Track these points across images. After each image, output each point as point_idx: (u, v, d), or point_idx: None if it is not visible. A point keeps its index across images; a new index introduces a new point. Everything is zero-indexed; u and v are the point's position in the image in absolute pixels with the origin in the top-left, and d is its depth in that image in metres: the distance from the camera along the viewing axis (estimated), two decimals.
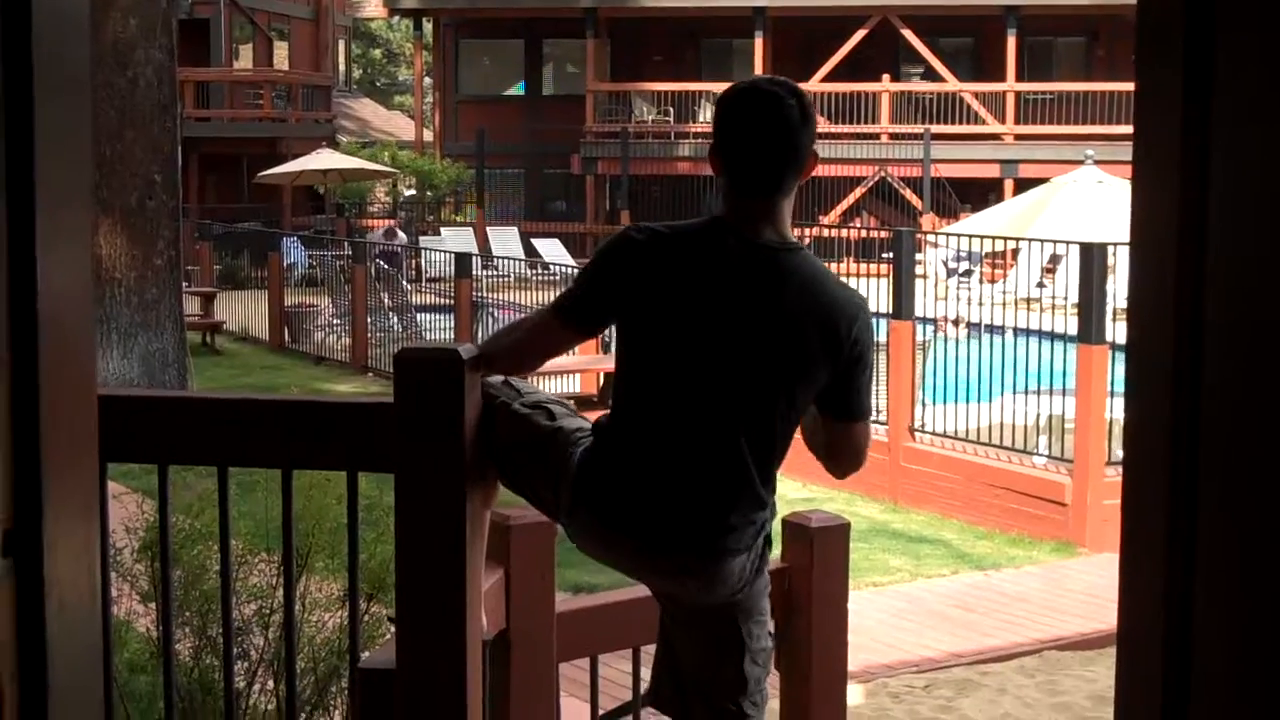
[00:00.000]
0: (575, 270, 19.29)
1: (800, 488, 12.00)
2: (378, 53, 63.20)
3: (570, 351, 12.67)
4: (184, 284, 16.86)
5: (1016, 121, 32.85)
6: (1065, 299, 13.00)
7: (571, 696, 3.91)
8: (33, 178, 1.29)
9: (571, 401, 3.38)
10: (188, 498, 5.64)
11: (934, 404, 13.23)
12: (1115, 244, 11.65)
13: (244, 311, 22.92)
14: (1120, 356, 10.37)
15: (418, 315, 19.95)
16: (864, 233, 27.02)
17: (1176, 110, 1.24)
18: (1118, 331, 11.27)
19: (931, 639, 8.87)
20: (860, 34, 33.23)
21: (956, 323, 15.04)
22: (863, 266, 17.77)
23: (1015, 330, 13.61)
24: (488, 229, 32.82)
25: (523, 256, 27.50)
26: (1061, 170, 22.11)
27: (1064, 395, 11.97)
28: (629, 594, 3.62)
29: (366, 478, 3.47)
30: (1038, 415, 12.39)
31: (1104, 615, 8.92)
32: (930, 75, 34.18)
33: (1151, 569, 1.29)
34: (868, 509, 12.29)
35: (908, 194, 32.35)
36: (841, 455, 3.27)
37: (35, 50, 1.28)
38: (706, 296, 3.05)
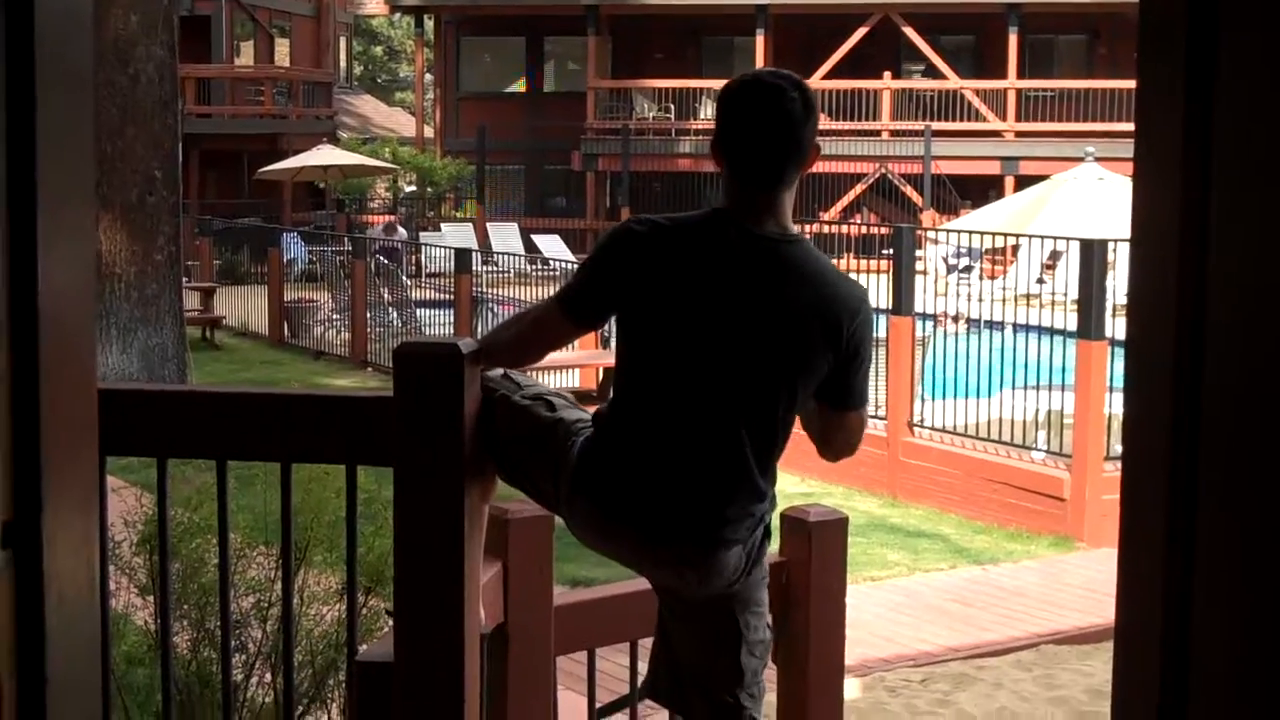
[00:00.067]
0: (575, 266, 19.28)
1: (799, 482, 12.01)
2: (379, 49, 63.19)
3: (570, 346, 12.68)
4: (184, 279, 16.87)
5: (1017, 119, 32.85)
6: (1065, 295, 12.99)
7: (569, 690, 3.92)
8: (34, 175, 1.29)
9: (571, 395, 3.37)
10: (186, 491, 5.64)
11: (933, 399, 13.24)
12: (1115, 240, 11.65)
13: (244, 307, 22.92)
14: (1119, 352, 10.37)
15: (417, 310, 19.94)
16: (864, 229, 27.04)
17: (1179, 108, 1.24)
18: (1117, 327, 11.27)
19: (929, 633, 8.87)
20: (862, 31, 33.23)
21: (956, 318, 15.04)
22: (863, 262, 17.77)
23: (1015, 326, 13.61)
24: (488, 225, 32.83)
25: (523, 252, 27.50)
26: (1062, 167, 22.10)
27: (1063, 391, 11.98)
28: (626, 588, 3.62)
29: (365, 471, 3.48)
30: (1037, 410, 12.40)
31: (1102, 610, 8.92)
32: (931, 72, 34.18)
33: (1150, 564, 1.29)
34: (866, 503, 12.29)
35: (908, 190, 32.35)
36: (835, 441, 3.28)
37: (38, 47, 1.28)
38: (708, 288, 3.05)
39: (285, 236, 25.11)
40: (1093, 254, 11.39)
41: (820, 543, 3.73)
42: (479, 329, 17.94)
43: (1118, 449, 10.47)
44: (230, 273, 26.80)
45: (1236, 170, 1.21)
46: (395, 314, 19.91)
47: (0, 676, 1.26)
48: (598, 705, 3.80)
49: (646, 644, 3.50)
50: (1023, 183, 26.86)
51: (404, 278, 21.26)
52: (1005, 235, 16.18)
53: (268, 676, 5.31)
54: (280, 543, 3.56)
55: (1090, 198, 17.76)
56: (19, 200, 1.28)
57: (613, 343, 2.91)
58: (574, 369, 16.11)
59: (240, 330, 22.66)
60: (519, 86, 39.63)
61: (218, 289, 23.17)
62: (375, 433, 3.14)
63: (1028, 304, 14.49)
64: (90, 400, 1.43)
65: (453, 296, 19.12)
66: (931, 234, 20.61)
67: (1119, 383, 9.77)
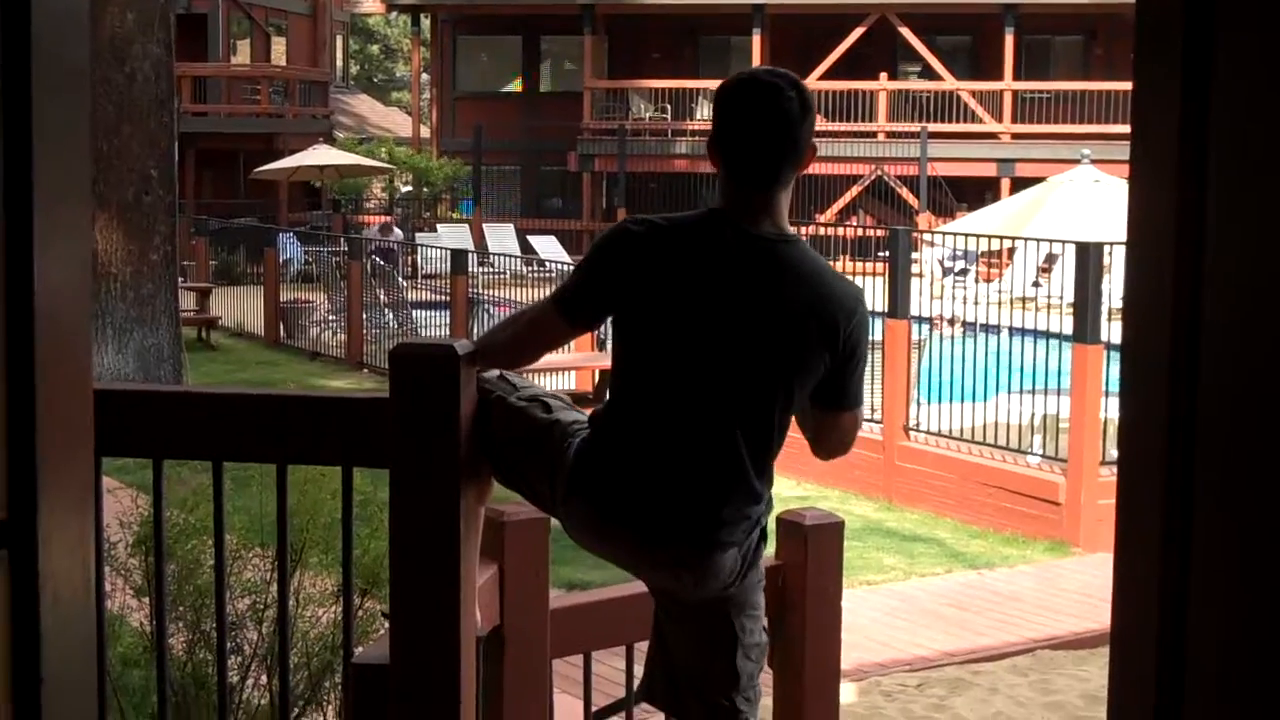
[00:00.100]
0: (571, 267, 19.26)
1: (794, 485, 12.01)
2: (375, 49, 63.19)
3: (566, 348, 12.68)
4: (180, 279, 16.85)
5: (1014, 120, 32.87)
6: (1061, 298, 13.00)
7: (565, 693, 3.91)
8: (30, 173, 1.29)
9: (568, 396, 3.37)
10: (182, 492, 5.64)
11: (929, 403, 13.24)
12: (1111, 243, 11.65)
13: (240, 307, 22.91)
14: (1115, 356, 10.37)
15: (413, 311, 19.94)
16: (860, 231, 27.03)
17: (1175, 110, 1.24)
18: (1113, 331, 11.27)
19: (925, 637, 8.87)
20: (858, 32, 33.24)
21: (952, 322, 15.04)
22: (859, 265, 17.77)
23: (1010, 329, 13.62)
24: (484, 226, 32.83)
25: (519, 253, 27.50)
26: (1058, 169, 22.12)
27: (1059, 395, 11.98)
28: (622, 591, 3.62)
29: (361, 473, 3.47)
30: (1032, 415, 12.40)
31: (1097, 615, 8.93)
32: (928, 74, 34.20)
33: (1146, 569, 1.29)
34: (862, 507, 12.29)
35: (904, 192, 32.36)
36: (829, 440, 3.28)
37: (34, 45, 1.28)
38: (704, 288, 3.05)
39: (281, 237, 25.11)
40: (1088, 257, 11.39)
41: (816, 546, 3.73)
42: (475, 330, 17.93)
43: (1113, 453, 10.47)
44: (226, 273, 26.79)
45: (1233, 172, 1.21)
46: (391, 315, 19.90)
47: None
48: (594, 708, 3.79)
49: (642, 647, 3.50)
50: (1019, 185, 26.88)
51: (400, 279, 21.26)
52: (1001, 238, 16.19)
53: (263, 678, 5.30)
54: (276, 544, 3.55)
55: (1086, 200, 17.76)
56: (15, 199, 1.28)
57: (608, 345, 2.91)
58: (570, 371, 16.11)
59: (236, 331, 22.65)
60: (515, 86, 39.63)
61: (214, 289, 23.18)
62: (371, 434, 3.14)
63: (1024, 307, 14.49)
64: (86, 400, 1.42)
65: (449, 298, 19.12)
66: (927, 236, 20.62)
67: (1114, 387, 9.77)
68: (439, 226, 32.75)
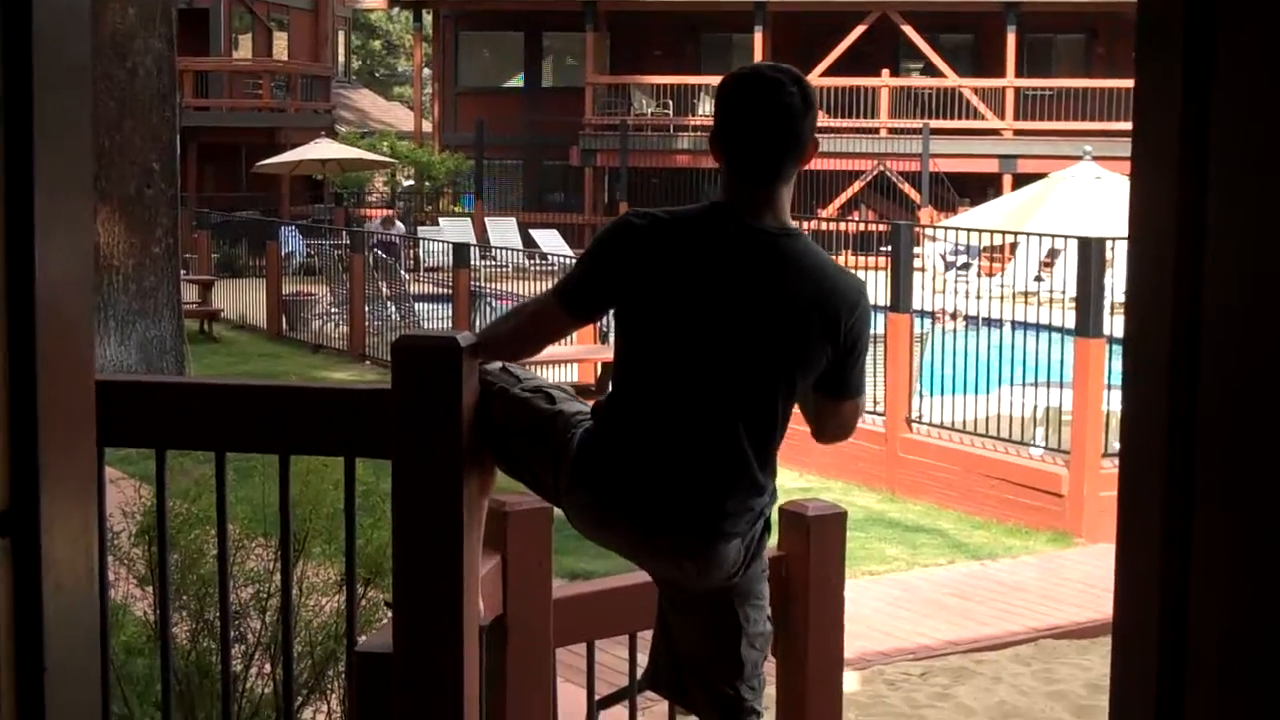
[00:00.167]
0: (572, 261, 19.26)
1: (797, 476, 12.02)
2: (377, 44, 63.14)
3: (568, 340, 12.69)
4: (182, 272, 16.86)
5: (1015, 117, 32.85)
6: (1063, 293, 13.00)
7: (568, 682, 3.92)
8: (32, 167, 1.29)
9: (571, 388, 3.37)
10: (185, 483, 5.64)
11: (931, 396, 13.25)
12: (1113, 238, 11.65)
13: (242, 300, 22.91)
14: (1117, 350, 10.38)
15: (415, 304, 19.95)
16: (862, 226, 27.02)
17: (1176, 107, 1.24)
18: (1115, 325, 11.28)
19: (928, 627, 8.88)
20: (860, 29, 33.21)
21: (954, 316, 15.04)
22: (861, 260, 17.77)
23: (1013, 323, 13.62)
24: (486, 220, 32.83)
25: (521, 247, 27.50)
26: (1060, 165, 22.11)
27: (1061, 388, 11.98)
28: (625, 580, 3.62)
29: (364, 464, 3.48)
30: (1035, 407, 12.41)
31: (1099, 605, 8.93)
32: (930, 71, 34.17)
33: (1147, 560, 1.29)
34: (865, 498, 12.30)
35: (906, 188, 32.34)
36: (830, 427, 3.29)
37: (36, 41, 1.28)
38: (707, 281, 3.05)
39: (283, 230, 25.11)
40: (1090, 252, 11.40)
41: (819, 537, 3.74)
42: (477, 323, 17.94)
43: (1115, 445, 10.47)
44: (228, 266, 26.79)
45: (1233, 169, 1.21)
46: (393, 308, 19.90)
47: None
48: (597, 697, 3.80)
49: (646, 636, 3.50)
50: (1021, 181, 26.87)
51: (402, 272, 21.26)
52: (1003, 233, 16.18)
53: (267, 667, 5.31)
54: (279, 534, 3.56)
55: (1088, 196, 17.77)
56: (17, 193, 1.29)
57: (611, 337, 2.91)
58: (572, 363, 16.12)
59: (238, 323, 22.65)
60: (517, 82, 39.62)
61: (216, 282, 23.17)
62: (373, 425, 3.14)
63: (1026, 301, 14.49)
64: (88, 391, 1.43)
65: (451, 291, 19.12)
66: (930, 231, 20.61)
67: (1117, 380, 9.78)
68: (441, 220, 32.74)
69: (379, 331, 19.49)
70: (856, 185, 32.34)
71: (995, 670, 8.02)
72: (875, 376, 12.43)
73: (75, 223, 1.40)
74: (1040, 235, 14.76)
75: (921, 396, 13.26)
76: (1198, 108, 1.22)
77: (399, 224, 29.54)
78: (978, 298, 14.41)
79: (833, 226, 24.99)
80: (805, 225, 23.16)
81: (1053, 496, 11.47)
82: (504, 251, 24.14)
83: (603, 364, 15.59)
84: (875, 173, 32.55)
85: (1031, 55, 34.80)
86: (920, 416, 13.02)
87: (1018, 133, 32.57)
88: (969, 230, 17.01)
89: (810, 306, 3.08)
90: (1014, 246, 18.05)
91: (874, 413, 12.57)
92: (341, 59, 49.77)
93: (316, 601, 5.45)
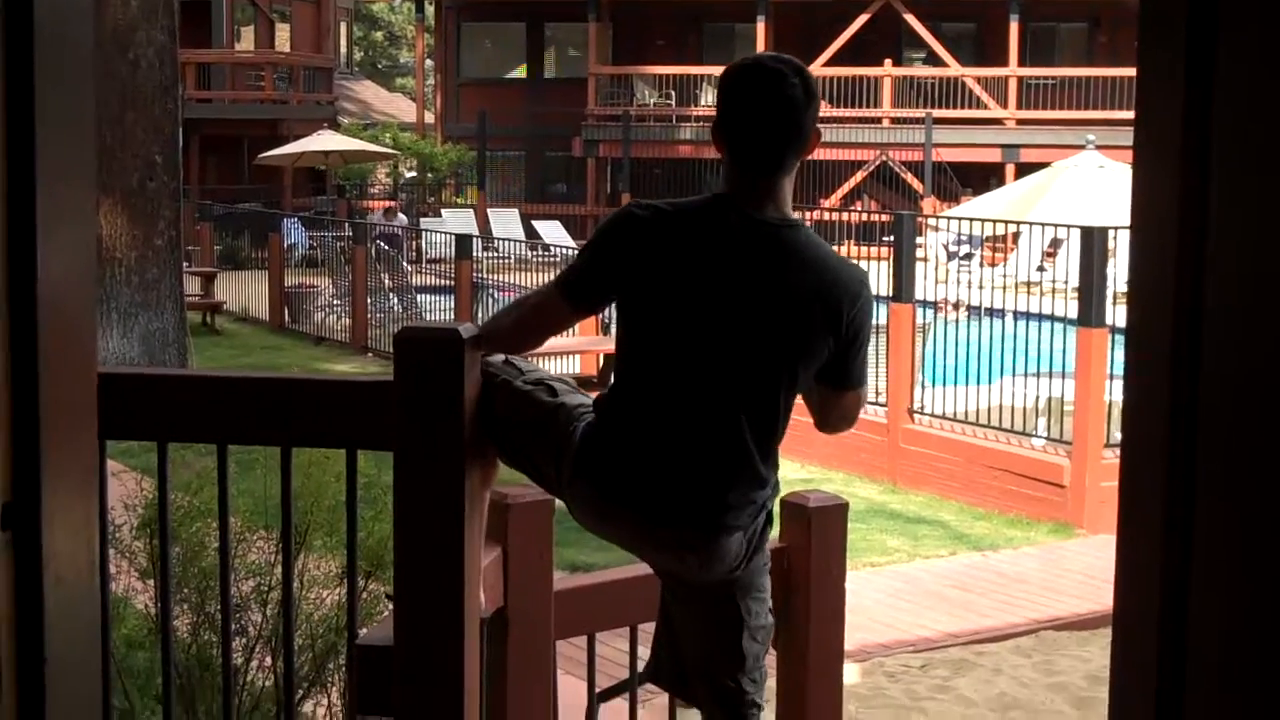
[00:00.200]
0: (575, 251, 19.24)
1: (799, 468, 12.02)
2: (379, 35, 63.12)
3: (570, 331, 12.68)
4: (184, 264, 16.87)
5: (1018, 106, 32.83)
6: (1065, 282, 13.00)
7: (569, 674, 3.92)
8: (34, 160, 1.29)
9: (573, 380, 3.37)
10: (186, 475, 5.65)
11: (934, 386, 13.24)
12: (1115, 228, 11.65)
13: (244, 292, 22.92)
14: (1120, 340, 10.37)
15: (418, 296, 19.95)
16: (865, 216, 27.01)
17: (1178, 96, 1.24)
18: (1117, 315, 11.27)
19: (929, 619, 8.88)
20: (862, 18, 33.19)
21: (957, 306, 15.04)
22: (863, 250, 17.77)
23: (1015, 313, 13.61)
24: (488, 211, 32.82)
25: (523, 238, 27.49)
26: (1063, 155, 22.11)
27: (1063, 378, 11.98)
28: (626, 572, 3.62)
29: (365, 456, 3.48)
30: (1037, 398, 12.41)
31: (1101, 596, 8.93)
32: (932, 60, 34.15)
33: (1148, 551, 1.29)
34: (866, 490, 12.30)
35: (909, 178, 32.34)
36: (832, 417, 3.29)
37: (38, 33, 1.28)
38: (709, 273, 3.05)
39: (286, 222, 25.11)
40: (1093, 241, 11.39)
41: (820, 528, 3.74)
42: (480, 315, 17.95)
43: (1118, 436, 10.48)
44: (231, 258, 26.79)
45: (1236, 158, 1.21)
46: (396, 299, 19.90)
47: (0, 657, 1.27)
48: (598, 689, 3.80)
49: (646, 629, 3.50)
50: (1023, 170, 26.86)
51: (405, 263, 21.26)
52: (1006, 223, 16.18)
53: (268, 660, 5.31)
54: (280, 527, 3.56)
55: (1091, 185, 17.76)
56: (19, 185, 1.29)
57: (613, 329, 2.92)
58: (575, 355, 16.11)
59: (241, 315, 22.66)
60: (520, 72, 39.59)
61: (218, 274, 23.17)
62: (375, 417, 3.14)
63: (1028, 291, 14.49)
64: (90, 384, 1.43)
65: (453, 282, 19.12)
66: (932, 221, 20.60)
67: (1119, 370, 9.78)
68: (443, 211, 32.74)
69: (381, 323, 19.49)
70: (859, 175, 32.33)
71: (996, 662, 8.03)
72: (877, 367, 12.43)
73: (78, 215, 1.40)
74: (1043, 225, 14.75)
75: (923, 387, 13.26)
76: (1200, 96, 1.22)
77: (401, 216, 29.53)
78: (980, 288, 14.41)
79: (835, 216, 24.97)
80: (808, 215, 23.17)
81: (1054, 487, 11.47)
82: (506, 243, 24.13)
83: (605, 355, 15.59)
84: (878, 162, 32.55)
85: (1034, 44, 34.78)
86: (922, 407, 13.02)
87: (1020, 122, 32.55)
88: (971, 220, 17.02)
89: (812, 297, 3.08)
90: (1016, 236, 18.05)
91: (876, 403, 12.57)
92: (344, 50, 49.74)
93: (318, 594, 5.46)
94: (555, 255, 21.99)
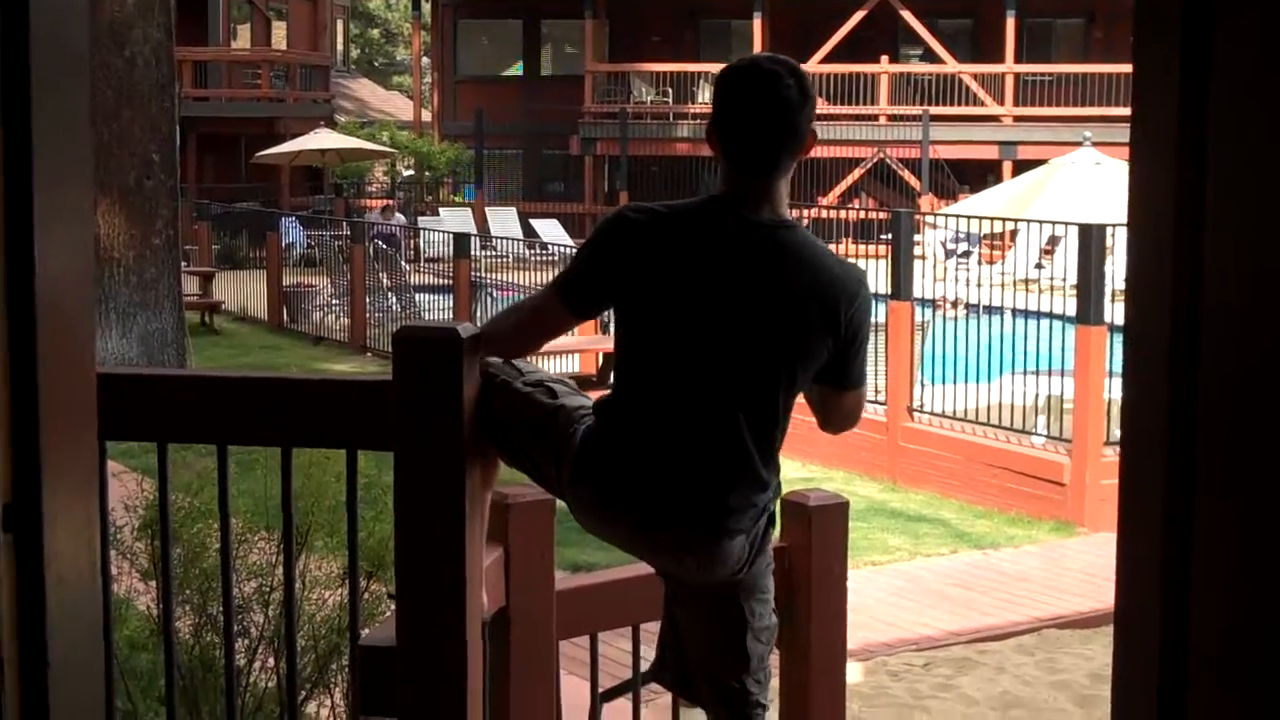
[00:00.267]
0: (573, 250, 19.25)
1: (799, 467, 12.02)
2: (376, 32, 63.13)
3: (570, 331, 12.69)
4: (182, 264, 16.86)
5: (1015, 103, 32.82)
6: (1064, 280, 12.99)
7: (571, 674, 3.92)
8: (31, 160, 1.29)
9: (572, 381, 3.37)
10: (187, 476, 5.65)
11: (933, 384, 13.24)
12: (1114, 225, 11.64)
13: (242, 291, 22.91)
14: (1118, 337, 10.37)
15: (416, 295, 19.94)
16: (862, 214, 27.01)
17: (1174, 92, 1.24)
18: (1116, 312, 11.27)
19: (930, 617, 8.88)
20: (859, 15, 33.18)
21: (955, 303, 15.03)
22: (861, 248, 17.77)
23: (1014, 311, 13.61)
24: (486, 209, 32.82)
25: (521, 237, 27.49)
26: (1060, 152, 22.08)
27: (1062, 376, 11.98)
28: (628, 572, 3.62)
29: (365, 456, 3.48)
30: (1036, 396, 12.41)
31: (1102, 594, 8.93)
32: (929, 57, 34.15)
33: (1149, 548, 1.29)
34: (867, 488, 12.30)
35: (906, 175, 32.33)
36: (834, 418, 3.30)
37: (33, 29, 1.28)
38: (706, 275, 3.05)
39: (284, 221, 25.10)
40: (1091, 239, 11.39)
41: (821, 528, 3.74)
42: (478, 313, 17.94)
43: (1117, 433, 10.47)
44: (229, 257, 26.78)
45: (1232, 153, 1.21)
46: (394, 299, 19.90)
47: (2, 659, 1.27)
48: (600, 689, 3.80)
49: (649, 628, 3.50)
50: (1021, 167, 26.85)
51: (403, 262, 21.25)
52: (1004, 220, 16.17)
53: (270, 661, 5.31)
54: (281, 527, 3.56)
55: (1088, 182, 17.75)
56: (16, 184, 1.29)
57: (612, 328, 2.92)
58: (574, 354, 16.11)
59: (239, 315, 22.65)
60: (516, 70, 39.59)
61: (216, 274, 23.16)
62: (375, 417, 3.14)
63: (1026, 289, 14.49)
64: (89, 384, 1.43)
65: (451, 281, 19.11)
66: (930, 219, 20.60)
67: (1118, 367, 9.77)
68: (441, 210, 32.74)
69: (380, 323, 19.49)
70: (856, 173, 32.33)
71: (998, 660, 8.03)
72: (876, 365, 12.43)
73: (75, 215, 1.40)
74: (1041, 222, 14.75)
75: (923, 385, 13.25)
76: (1196, 91, 1.22)
77: (399, 215, 29.52)
78: (978, 285, 14.40)
79: (833, 214, 24.97)
80: (805, 213, 23.19)
81: (1055, 485, 11.47)
82: (504, 241, 24.13)
83: (604, 354, 15.59)
84: (875, 160, 32.54)
85: (1030, 40, 34.77)
86: (921, 405, 13.02)
87: (1017, 119, 32.54)
88: (969, 217, 17.01)
89: (809, 298, 3.07)
90: (1014, 234, 18.04)
91: (875, 402, 12.57)
92: (340, 48, 49.76)
93: (319, 595, 5.46)
94: (553, 254, 21.98)
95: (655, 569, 3.26)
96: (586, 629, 3.68)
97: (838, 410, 3.27)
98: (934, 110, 32.37)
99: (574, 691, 3.91)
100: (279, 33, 42.58)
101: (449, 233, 21.16)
